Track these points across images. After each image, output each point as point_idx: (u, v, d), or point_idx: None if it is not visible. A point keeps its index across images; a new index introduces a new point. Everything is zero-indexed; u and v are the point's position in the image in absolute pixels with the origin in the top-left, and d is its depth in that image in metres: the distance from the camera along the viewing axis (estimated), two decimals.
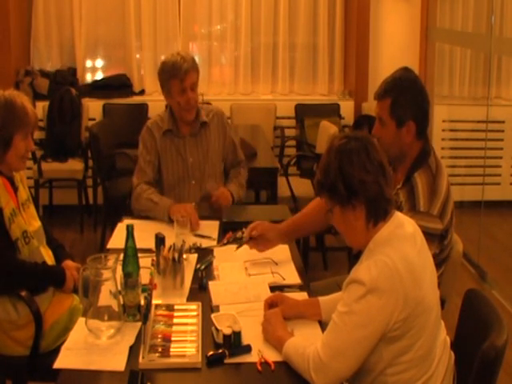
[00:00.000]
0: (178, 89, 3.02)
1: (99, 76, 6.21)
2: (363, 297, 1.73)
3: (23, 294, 2.35)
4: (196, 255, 2.59)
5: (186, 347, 1.92)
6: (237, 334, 1.90)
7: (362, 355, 1.76)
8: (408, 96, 2.32)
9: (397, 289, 1.73)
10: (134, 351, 1.90)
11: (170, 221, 2.81)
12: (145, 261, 2.33)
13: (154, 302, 2.13)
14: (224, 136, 3.22)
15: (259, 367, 1.84)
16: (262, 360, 1.87)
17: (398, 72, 2.40)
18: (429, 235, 2.02)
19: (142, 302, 2.08)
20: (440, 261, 2.32)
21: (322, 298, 2.13)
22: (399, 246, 1.80)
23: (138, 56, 6.16)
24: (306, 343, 1.85)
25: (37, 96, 5.67)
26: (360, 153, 1.80)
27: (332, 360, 1.74)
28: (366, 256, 1.83)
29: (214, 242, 2.75)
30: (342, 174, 1.79)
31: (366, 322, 1.73)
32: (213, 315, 2.03)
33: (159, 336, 1.96)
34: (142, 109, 5.89)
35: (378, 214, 1.83)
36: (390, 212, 1.86)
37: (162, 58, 6.11)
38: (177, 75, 3.00)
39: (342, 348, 1.75)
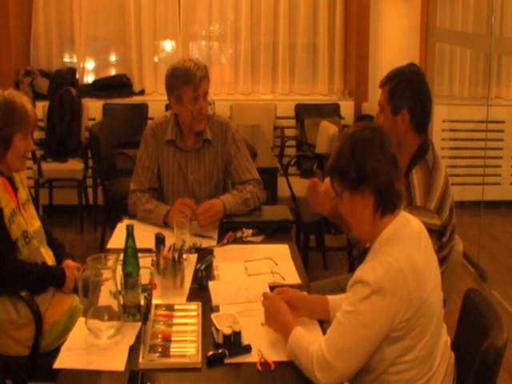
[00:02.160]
0: (191, 97, 2.85)
1: (99, 76, 6.21)
2: (368, 297, 1.73)
3: (23, 293, 2.36)
4: (196, 255, 2.59)
5: (186, 347, 1.92)
6: (237, 334, 1.90)
7: (366, 354, 1.77)
8: (406, 85, 2.38)
9: (401, 289, 1.73)
10: (134, 351, 1.90)
11: (167, 226, 2.79)
12: (145, 261, 2.33)
13: (154, 302, 2.13)
14: (223, 148, 3.03)
15: (259, 367, 1.84)
16: (262, 360, 1.87)
17: (404, 65, 2.47)
18: (428, 231, 2.03)
19: (142, 302, 2.08)
20: (440, 259, 2.32)
21: (330, 297, 2.11)
22: (404, 247, 1.80)
23: (137, 56, 6.15)
24: (310, 338, 1.85)
25: (37, 96, 5.67)
26: (374, 142, 1.82)
27: (336, 359, 1.75)
28: (372, 256, 1.83)
29: (214, 242, 2.75)
30: (355, 158, 1.81)
31: (371, 322, 1.74)
32: (213, 315, 2.03)
33: (159, 336, 1.96)
34: (142, 109, 5.89)
35: (387, 205, 1.83)
36: (399, 207, 1.86)
37: (163, 56, 6.18)
38: (191, 82, 2.83)
39: (347, 347, 1.75)
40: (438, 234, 2.30)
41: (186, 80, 2.85)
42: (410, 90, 2.37)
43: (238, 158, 3.04)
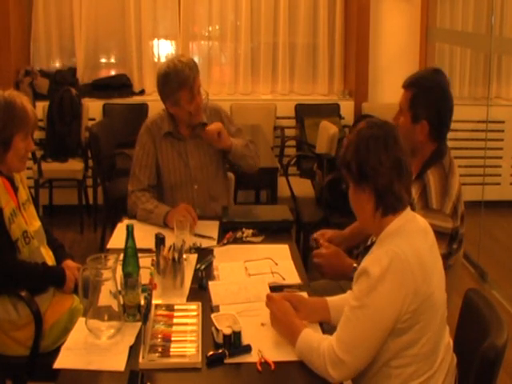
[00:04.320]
0: (188, 98, 2.89)
1: (99, 76, 6.20)
2: (374, 289, 1.74)
3: (23, 294, 2.35)
4: (196, 255, 2.59)
5: (186, 347, 1.92)
6: (237, 334, 1.90)
7: (377, 346, 1.78)
8: (428, 96, 2.34)
9: (407, 280, 1.74)
10: (134, 351, 1.90)
11: (167, 226, 2.80)
12: (145, 261, 2.33)
13: (154, 302, 2.13)
14: None
15: (259, 367, 1.84)
16: (262, 360, 1.87)
17: (430, 70, 2.47)
18: (440, 234, 2.03)
19: (142, 302, 2.08)
20: (446, 266, 2.33)
21: (329, 299, 2.11)
22: (410, 239, 1.81)
23: (137, 56, 6.15)
24: (319, 337, 1.87)
25: (37, 96, 5.67)
26: (378, 141, 1.82)
27: (348, 355, 1.76)
28: (377, 246, 1.84)
29: (214, 242, 2.75)
30: (357, 155, 1.83)
31: (378, 315, 1.75)
32: (213, 315, 2.03)
33: (159, 336, 1.96)
34: (142, 109, 5.88)
35: (386, 206, 1.84)
36: (399, 210, 1.86)
37: (164, 56, 6.16)
38: (186, 85, 2.86)
39: (357, 342, 1.76)
40: (450, 239, 2.29)
41: (180, 84, 2.87)
42: (430, 101, 2.33)
43: (235, 134, 3.13)
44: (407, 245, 1.78)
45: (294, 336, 1.90)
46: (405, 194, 1.86)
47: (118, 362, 1.85)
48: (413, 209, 2.27)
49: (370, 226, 1.90)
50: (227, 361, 1.87)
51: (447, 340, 1.94)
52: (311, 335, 1.88)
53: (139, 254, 2.14)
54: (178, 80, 2.87)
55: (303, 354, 1.86)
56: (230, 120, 3.20)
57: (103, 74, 6.23)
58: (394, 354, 1.82)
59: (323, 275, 2.47)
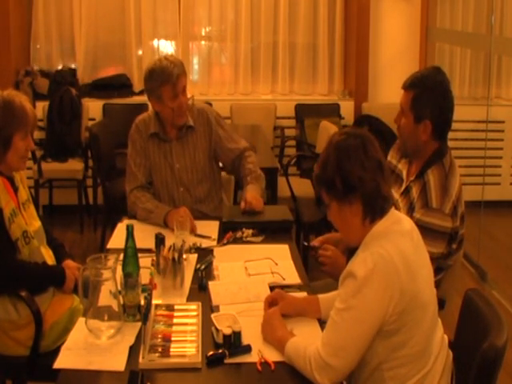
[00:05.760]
0: (170, 95, 2.91)
1: (99, 76, 6.20)
2: (360, 291, 1.73)
3: (23, 294, 2.35)
4: (196, 255, 2.59)
5: (186, 347, 1.92)
6: (237, 334, 1.90)
7: (363, 349, 1.77)
8: (430, 96, 2.34)
9: (393, 280, 1.74)
10: (134, 351, 1.90)
11: (167, 226, 2.81)
12: (145, 261, 2.33)
13: (154, 302, 2.13)
14: (210, 133, 3.11)
15: (259, 367, 1.84)
16: (262, 360, 1.87)
17: (430, 70, 2.45)
18: (439, 233, 2.01)
19: (142, 302, 2.08)
20: (444, 266, 2.33)
21: (321, 296, 2.13)
22: (395, 240, 1.81)
23: (137, 56, 6.15)
24: (306, 343, 1.85)
25: (37, 96, 5.67)
26: (358, 150, 1.81)
27: (334, 358, 1.75)
28: (362, 249, 1.83)
29: (214, 242, 2.75)
30: (340, 169, 1.81)
31: (364, 316, 1.74)
32: (213, 315, 2.03)
33: (159, 336, 1.96)
34: (142, 109, 5.83)
35: (375, 211, 1.83)
36: (388, 210, 1.86)
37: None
38: (169, 81, 2.89)
39: (343, 345, 1.75)
40: (449, 239, 2.29)
41: (163, 79, 2.91)
42: (433, 101, 2.33)
43: (226, 137, 3.14)
44: (391, 245, 1.78)
45: (281, 347, 1.89)
46: (390, 192, 1.87)
47: (117, 361, 1.85)
48: (412, 208, 2.27)
49: (357, 238, 1.86)
50: (227, 361, 1.87)
51: (440, 335, 1.94)
52: (298, 342, 1.87)
53: (139, 254, 2.14)
54: (161, 76, 2.91)
55: (291, 360, 1.85)
56: (220, 122, 3.17)
57: (103, 73, 6.21)
58: (385, 357, 1.81)
59: (325, 274, 2.48)
